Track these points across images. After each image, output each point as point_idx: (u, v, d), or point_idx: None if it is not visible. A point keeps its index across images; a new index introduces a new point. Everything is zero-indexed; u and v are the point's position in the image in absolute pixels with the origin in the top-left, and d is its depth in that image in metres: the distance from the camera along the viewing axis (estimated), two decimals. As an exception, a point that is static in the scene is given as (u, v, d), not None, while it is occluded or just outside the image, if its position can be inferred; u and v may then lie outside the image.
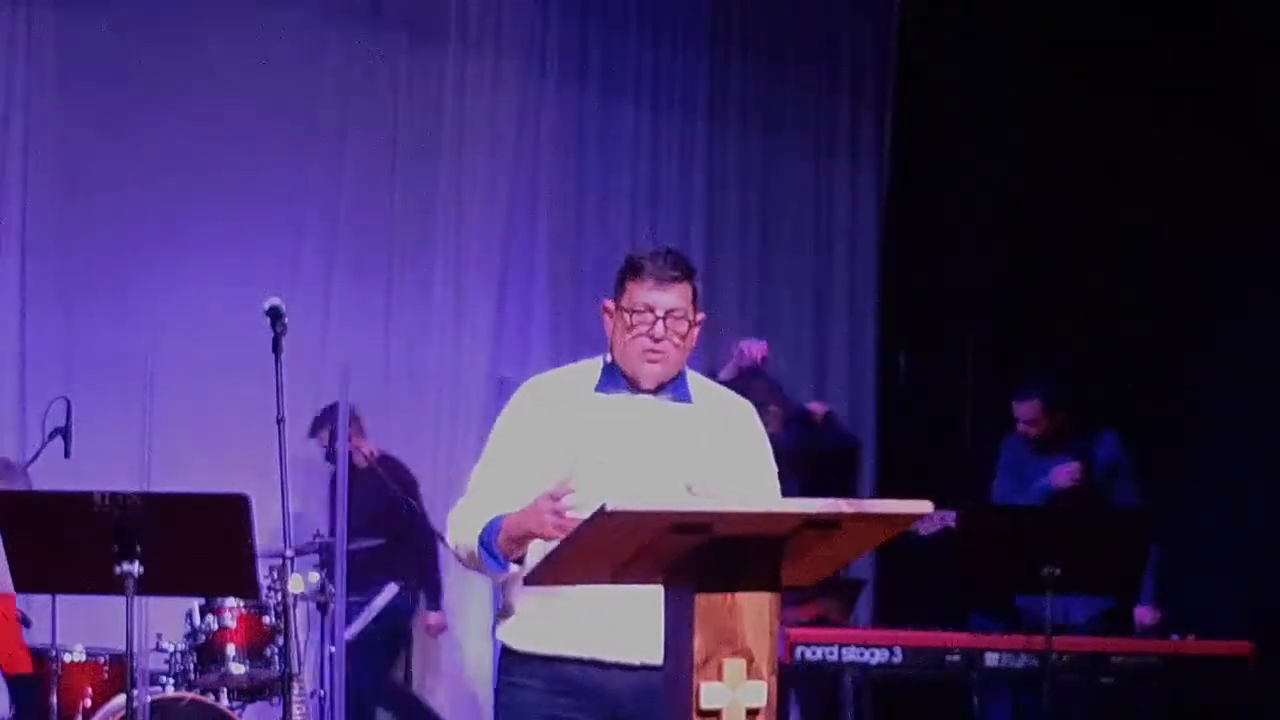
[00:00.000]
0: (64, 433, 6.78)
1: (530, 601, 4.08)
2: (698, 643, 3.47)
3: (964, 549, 6.44)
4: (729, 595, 3.50)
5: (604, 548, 3.51)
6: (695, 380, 4.23)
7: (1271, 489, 8.03)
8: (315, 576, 6.98)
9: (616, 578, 3.65)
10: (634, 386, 4.12)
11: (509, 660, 4.15)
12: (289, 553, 5.28)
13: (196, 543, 4.98)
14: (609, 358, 4.16)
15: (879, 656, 6.68)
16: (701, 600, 3.48)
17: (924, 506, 3.64)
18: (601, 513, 3.39)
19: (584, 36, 9.17)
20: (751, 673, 3.51)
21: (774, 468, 4.26)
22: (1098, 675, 6.75)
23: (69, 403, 6.81)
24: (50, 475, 6.63)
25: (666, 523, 3.44)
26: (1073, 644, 6.61)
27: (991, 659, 6.71)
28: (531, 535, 3.92)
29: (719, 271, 9.32)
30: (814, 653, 6.67)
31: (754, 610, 3.51)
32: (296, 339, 5.49)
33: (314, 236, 8.62)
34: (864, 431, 9.52)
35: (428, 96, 8.82)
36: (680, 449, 4.08)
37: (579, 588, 3.81)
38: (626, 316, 4.08)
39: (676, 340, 4.09)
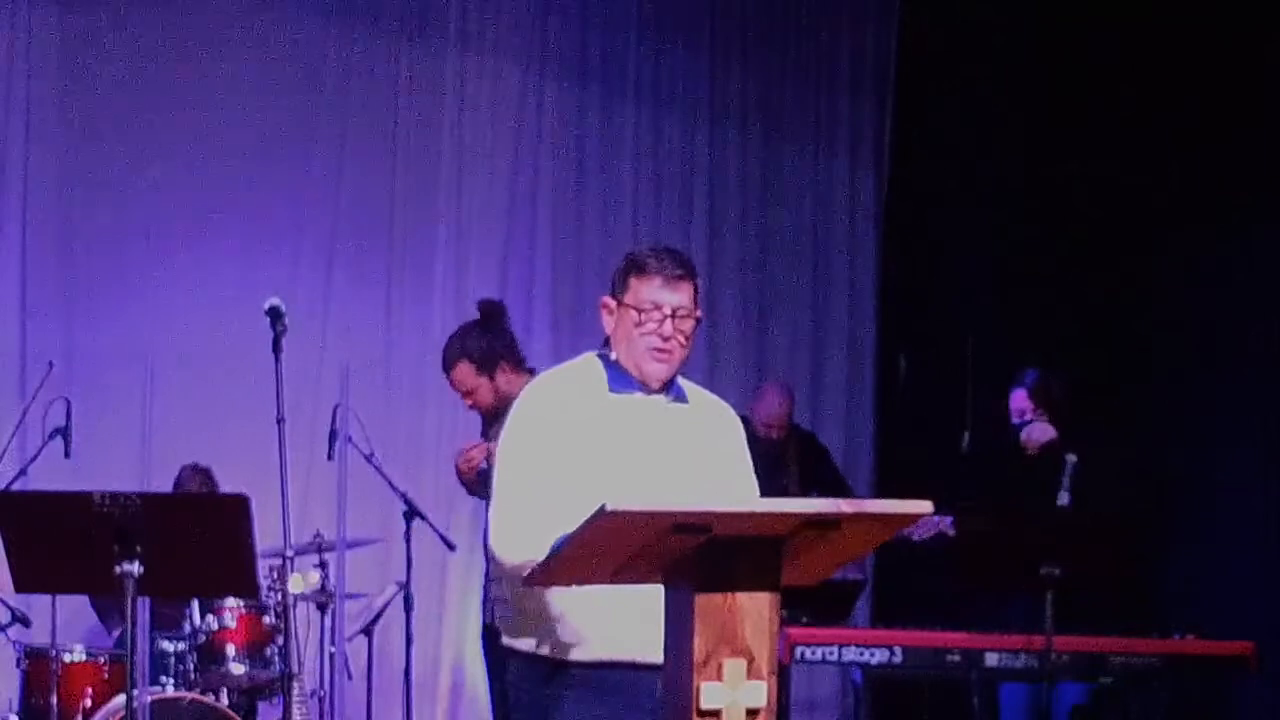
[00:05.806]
0: (64, 433, 6.77)
1: (561, 607, 3.99)
2: (698, 643, 3.47)
3: (963, 549, 6.44)
4: (729, 595, 3.50)
5: (604, 548, 3.51)
6: (682, 380, 4.23)
7: (1272, 488, 8.02)
8: (315, 576, 6.98)
9: (616, 578, 3.65)
10: (643, 386, 4.12)
11: (539, 669, 4.06)
12: (289, 553, 5.28)
13: (196, 543, 4.98)
14: (612, 355, 4.14)
15: (879, 656, 6.65)
16: (701, 600, 3.48)
17: (924, 507, 3.64)
18: (601, 513, 3.39)
19: (584, 36, 9.16)
20: (751, 673, 3.51)
21: (752, 467, 4.29)
22: (1098, 675, 6.74)
23: (69, 403, 6.80)
24: (50, 475, 6.63)
25: (667, 523, 3.44)
26: (1073, 644, 6.60)
27: (991, 659, 6.70)
28: None
29: (719, 271, 9.31)
30: (814, 653, 6.65)
31: (754, 610, 3.52)
32: (296, 339, 5.49)
33: (314, 236, 8.62)
34: (864, 431, 9.52)
35: (428, 96, 8.82)
36: (688, 450, 4.09)
37: (614, 591, 3.78)
38: (634, 314, 4.07)
39: (683, 340, 4.10)
